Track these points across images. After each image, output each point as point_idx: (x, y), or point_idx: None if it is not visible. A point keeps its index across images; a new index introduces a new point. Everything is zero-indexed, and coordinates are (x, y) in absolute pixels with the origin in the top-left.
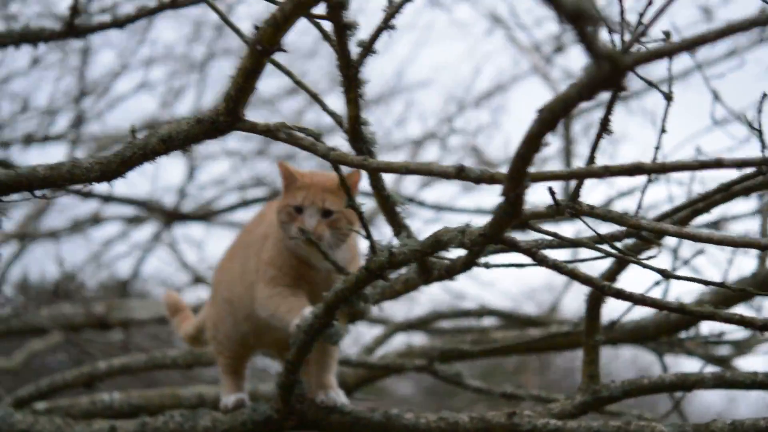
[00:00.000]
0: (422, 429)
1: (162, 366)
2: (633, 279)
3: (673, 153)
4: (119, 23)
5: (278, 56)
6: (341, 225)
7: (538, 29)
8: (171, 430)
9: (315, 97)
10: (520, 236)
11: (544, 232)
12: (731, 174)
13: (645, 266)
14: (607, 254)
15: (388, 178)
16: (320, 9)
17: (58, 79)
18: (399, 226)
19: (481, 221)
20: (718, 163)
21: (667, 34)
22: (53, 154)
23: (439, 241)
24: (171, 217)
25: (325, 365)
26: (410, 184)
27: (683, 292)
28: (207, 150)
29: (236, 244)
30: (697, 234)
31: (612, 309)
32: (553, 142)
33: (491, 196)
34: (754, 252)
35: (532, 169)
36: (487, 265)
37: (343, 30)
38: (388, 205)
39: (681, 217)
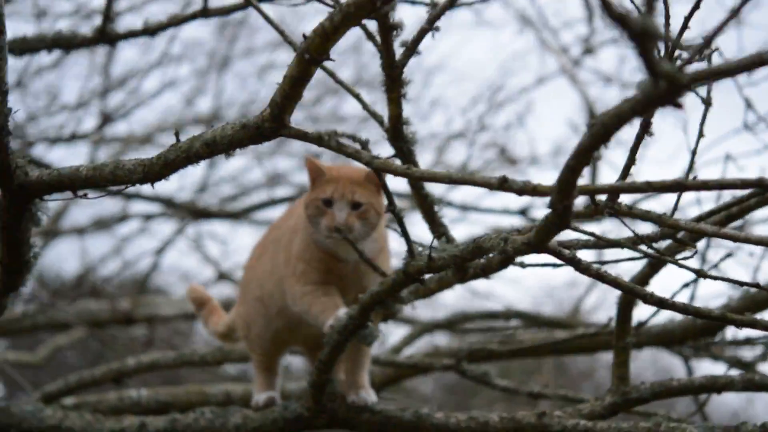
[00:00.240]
0: (452, 428)
1: (191, 363)
2: (661, 281)
3: (701, 154)
4: (150, 31)
5: None
6: (370, 216)
7: (566, 31)
8: (202, 427)
9: (357, 98)
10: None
11: (582, 231)
12: None
13: (681, 266)
14: (645, 255)
15: None
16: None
17: (85, 77)
18: (437, 226)
19: (506, 221)
20: (760, 183)
21: (705, 41)
22: (77, 152)
23: (480, 248)
24: (195, 214)
25: (358, 364)
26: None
27: (710, 294)
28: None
29: (264, 241)
30: (735, 234)
31: (640, 311)
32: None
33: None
34: None
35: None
36: (522, 265)
37: (388, 31)
38: (426, 204)
39: (715, 221)
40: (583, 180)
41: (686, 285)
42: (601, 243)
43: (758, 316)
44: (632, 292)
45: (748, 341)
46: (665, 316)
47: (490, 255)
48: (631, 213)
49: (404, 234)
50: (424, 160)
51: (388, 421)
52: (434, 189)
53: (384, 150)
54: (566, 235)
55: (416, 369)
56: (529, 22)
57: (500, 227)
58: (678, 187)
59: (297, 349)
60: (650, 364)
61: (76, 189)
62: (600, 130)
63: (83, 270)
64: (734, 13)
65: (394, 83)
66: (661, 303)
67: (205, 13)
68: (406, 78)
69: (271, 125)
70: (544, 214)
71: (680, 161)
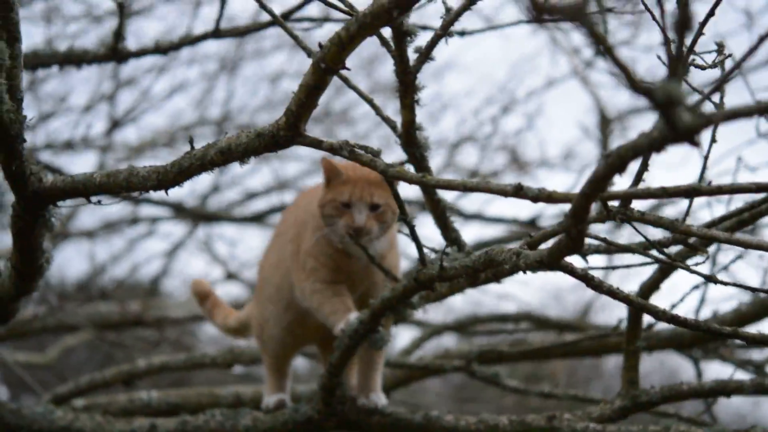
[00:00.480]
0: (462, 431)
1: (201, 365)
2: (673, 281)
3: (714, 161)
4: (162, 50)
5: None
6: (387, 217)
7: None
8: (212, 429)
9: (371, 103)
10: None
11: (594, 237)
12: None
13: (693, 272)
14: (656, 260)
15: None
16: None
17: (94, 81)
18: (449, 231)
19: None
20: None
21: (720, 46)
22: (86, 157)
23: (492, 260)
24: (205, 218)
25: (370, 367)
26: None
27: (720, 296)
28: None
29: (272, 237)
30: (748, 241)
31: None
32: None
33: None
34: None
35: None
36: (534, 270)
37: (402, 37)
38: (438, 209)
39: (726, 227)
40: None
41: (696, 287)
42: (612, 248)
43: None
44: (644, 310)
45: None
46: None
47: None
48: (644, 219)
49: (416, 242)
50: (435, 161)
51: (398, 424)
52: (446, 194)
53: (395, 154)
54: None
55: (427, 370)
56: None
57: (513, 230)
58: (693, 192)
59: (307, 351)
60: (658, 366)
61: (89, 195)
62: (616, 161)
63: (92, 273)
64: (751, 51)
65: (407, 89)
66: (673, 320)
67: (217, 34)
68: (420, 84)
69: (286, 134)
70: (554, 226)
71: (692, 162)
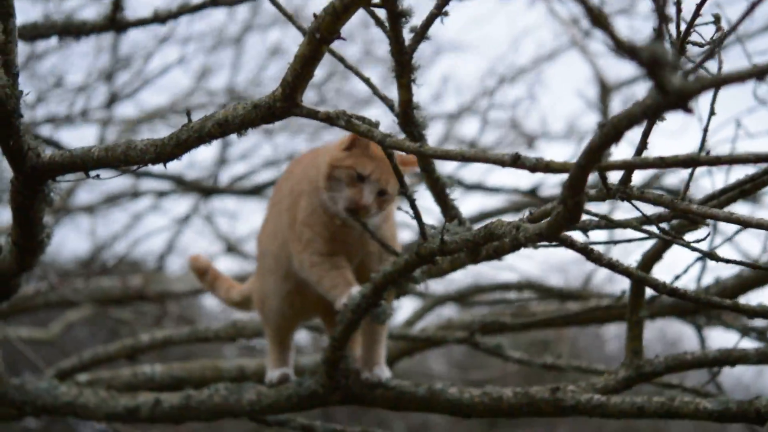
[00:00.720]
0: (466, 404)
1: (204, 339)
2: (676, 253)
3: (715, 131)
4: (160, 19)
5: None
6: (387, 205)
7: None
8: (216, 403)
9: (367, 82)
10: None
11: (592, 214)
12: None
13: (692, 249)
14: (654, 236)
15: None
16: None
17: (92, 56)
18: (449, 209)
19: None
20: None
21: (717, 18)
22: (85, 133)
23: (492, 234)
24: (207, 192)
25: (373, 341)
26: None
27: (724, 267)
28: None
29: (268, 208)
30: (748, 219)
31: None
32: (592, 119)
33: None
34: None
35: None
36: (535, 246)
37: (397, 17)
38: (437, 187)
39: (728, 197)
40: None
41: (701, 258)
42: (611, 225)
43: None
44: (644, 282)
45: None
46: (679, 284)
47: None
48: (643, 197)
49: (417, 216)
50: (435, 132)
51: (402, 397)
52: (445, 166)
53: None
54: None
55: (429, 342)
56: None
57: (514, 201)
58: (691, 162)
59: (309, 324)
60: (659, 335)
61: (88, 170)
62: (611, 131)
63: (95, 249)
64: (745, 15)
65: (404, 69)
66: (673, 293)
67: (215, 2)
68: (416, 63)
69: (282, 105)
70: (554, 203)
71: (692, 133)
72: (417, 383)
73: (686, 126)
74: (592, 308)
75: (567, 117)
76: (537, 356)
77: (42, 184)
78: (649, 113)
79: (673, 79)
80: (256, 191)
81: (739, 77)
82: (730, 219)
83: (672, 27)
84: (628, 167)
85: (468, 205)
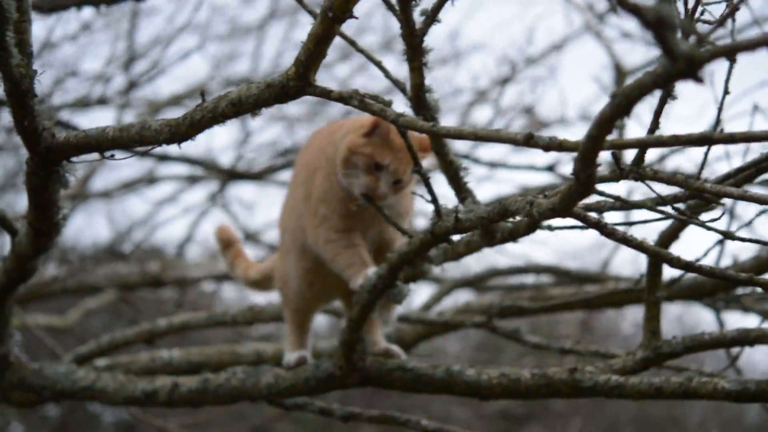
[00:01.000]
0: (484, 385)
1: (222, 323)
2: (693, 236)
3: (728, 108)
4: None
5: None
6: (402, 189)
7: None
8: (233, 386)
9: (378, 65)
10: None
11: (606, 195)
12: None
13: (708, 228)
14: (669, 216)
15: None
16: None
17: (108, 44)
18: (463, 191)
19: (534, 179)
20: None
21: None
22: (101, 120)
23: (506, 210)
24: (228, 175)
25: (372, 323)
26: (463, 143)
27: (741, 245)
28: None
29: (289, 186)
30: (764, 197)
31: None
32: (603, 100)
33: (542, 154)
34: None
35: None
36: (550, 228)
37: (407, 1)
38: (451, 169)
39: (745, 176)
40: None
41: (720, 242)
42: (626, 205)
43: None
44: (658, 256)
45: None
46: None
47: (517, 218)
48: (657, 177)
49: (431, 195)
50: (448, 121)
51: (420, 379)
52: (459, 147)
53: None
54: (592, 196)
55: (447, 326)
56: None
57: (528, 186)
58: (705, 140)
59: (328, 308)
60: (677, 324)
61: (103, 150)
62: (622, 101)
63: (115, 236)
64: None
65: (415, 52)
66: (688, 267)
67: None
68: (427, 46)
69: (296, 84)
70: (567, 181)
71: (706, 118)
72: (434, 365)
73: (700, 114)
74: (610, 291)
75: (580, 103)
76: (553, 342)
77: (57, 164)
78: (660, 82)
79: (681, 43)
80: (271, 171)
81: (750, 45)
82: (745, 197)
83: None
84: (642, 145)
85: (481, 194)
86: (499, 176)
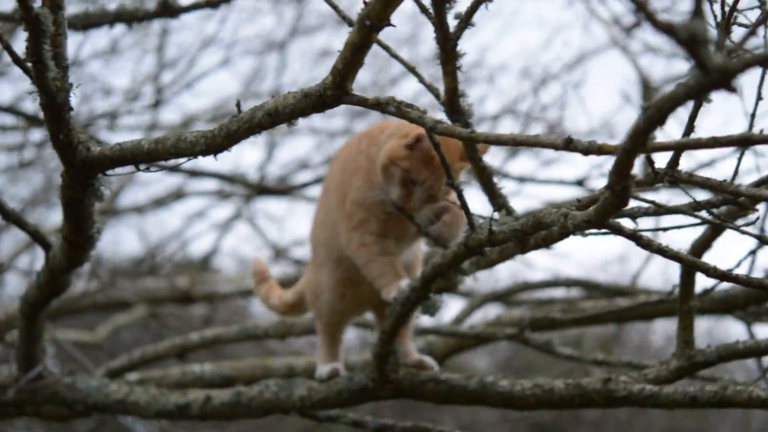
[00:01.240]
0: (517, 396)
1: (254, 337)
2: (723, 243)
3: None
4: (213, 3)
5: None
6: (435, 201)
7: (616, 1)
8: (266, 399)
9: (413, 71)
10: None
11: (642, 199)
12: None
13: (743, 232)
14: (705, 221)
15: None
16: None
17: (137, 61)
18: (497, 197)
19: (562, 193)
20: None
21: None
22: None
23: (540, 223)
24: (256, 190)
25: (404, 334)
26: (491, 157)
27: None
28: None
29: (319, 198)
30: None
31: (703, 276)
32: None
33: (570, 168)
34: None
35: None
36: (583, 234)
37: (442, 3)
38: (485, 176)
39: None
40: None
41: (753, 252)
42: (661, 210)
43: None
44: (695, 267)
45: None
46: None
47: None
48: (691, 180)
49: (464, 207)
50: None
51: (453, 390)
52: (486, 160)
53: None
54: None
55: (479, 339)
56: None
57: (556, 201)
58: (745, 141)
59: (358, 321)
60: (706, 335)
61: (138, 163)
62: (655, 114)
63: (144, 250)
64: None
65: (448, 56)
66: (724, 276)
67: None
68: (461, 50)
69: (333, 93)
70: (602, 191)
71: (731, 130)
72: (468, 376)
73: (731, 120)
74: (643, 303)
75: (601, 116)
76: (586, 354)
77: (92, 178)
78: (692, 94)
79: (714, 56)
80: (299, 188)
81: None
82: None
83: (716, 10)
84: (680, 148)
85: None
86: (527, 191)
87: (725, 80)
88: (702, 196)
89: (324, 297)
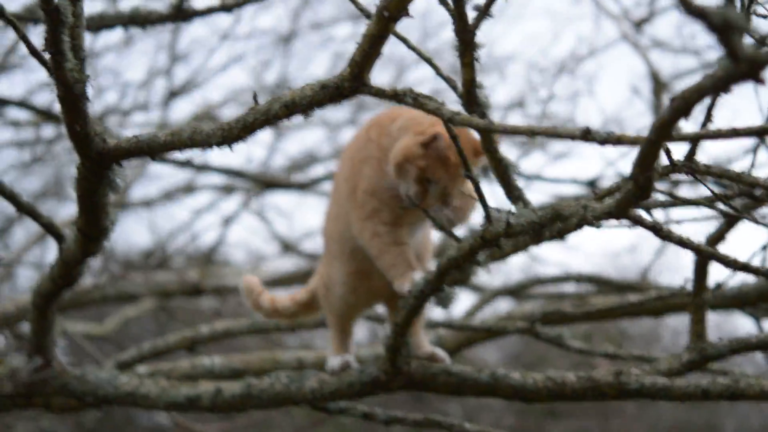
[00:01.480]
0: (530, 389)
1: (265, 330)
2: (738, 237)
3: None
4: (227, 8)
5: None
6: (449, 197)
7: None
8: (277, 391)
9: (429, 62)
10: None
11: (660, 191)
12: None
13: (760, 223)
14: (722, 213)
15: None
16: None
17: (149, 55)
18: (513, 189)
19: (568, 190)
20: None
21: None
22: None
23: (559, 215)
24: (265, 184)
25: (417, 326)
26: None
27: None
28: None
29: (331, 193)
30: None
31: (715, 270)
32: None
33: (578, 163)
34: None
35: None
36: (598, 225)
37: None
38: (501, 168)
39: None
40: None
41: (765, 248)
42: (678, 202)
43: None
44: (715, 258)
45: None
46: (740, 278)
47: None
48: (709, 171)
49: (481, 200)
50: None
51: (465, 383)
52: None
53: None
54: None
55: (490, 332)
56: None
57: (564, 196)
58: (765, 131)
59: (368, 314)
60: (715, 329)
61: (154, 154)
62: (681, 105)
63: (153, 243)
64: None
65: (467, 48)
66: (744, 268)
67: None
68: (479, 42)
69: (350, 84)
70: (619, 183)
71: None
72: (480, 368)
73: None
74: (653, 298)
75: (610, 110)
76: (596, 346)
77: (108, 169)
78: (720, 85)
79: (745, 46)
80: (311, 184)
81: None
82: None
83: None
84: (699, 138)
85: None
86: (534, 186)
87: (755, 71)
88: (713, 191)
89: (336, 290)
